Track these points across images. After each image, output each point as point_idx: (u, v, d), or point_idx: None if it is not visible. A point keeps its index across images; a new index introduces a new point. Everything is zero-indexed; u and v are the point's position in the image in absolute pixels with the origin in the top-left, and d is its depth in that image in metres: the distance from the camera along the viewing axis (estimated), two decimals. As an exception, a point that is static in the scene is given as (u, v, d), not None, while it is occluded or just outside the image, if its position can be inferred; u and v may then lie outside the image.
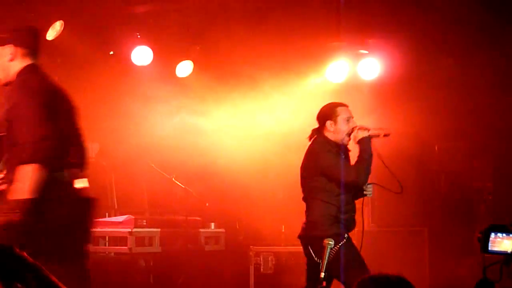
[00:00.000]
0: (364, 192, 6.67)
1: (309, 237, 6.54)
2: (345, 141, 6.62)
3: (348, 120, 6.60)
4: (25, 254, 2.72)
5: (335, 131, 6.58)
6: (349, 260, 6.34)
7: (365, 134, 6.56)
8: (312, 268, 6.57)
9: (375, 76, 10.14)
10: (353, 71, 10.23)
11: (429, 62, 9.68)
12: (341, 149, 6.64)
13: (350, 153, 6.76)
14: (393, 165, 9.48)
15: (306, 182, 6.68)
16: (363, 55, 10.17)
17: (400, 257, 9.19)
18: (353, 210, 6.69)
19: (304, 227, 6.63)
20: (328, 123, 6.59)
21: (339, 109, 6.61)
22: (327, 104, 6.74)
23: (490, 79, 9.52)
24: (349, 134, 6.62)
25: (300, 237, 6.69)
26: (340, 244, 6.35)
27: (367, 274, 6.26)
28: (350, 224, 6.62)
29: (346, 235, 6.44)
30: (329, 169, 6.54)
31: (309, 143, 6.76)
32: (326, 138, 6.61)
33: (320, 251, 6.17)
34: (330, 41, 10.13)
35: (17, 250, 2.72)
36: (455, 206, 9.94)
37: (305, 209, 6.67)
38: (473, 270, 9.17)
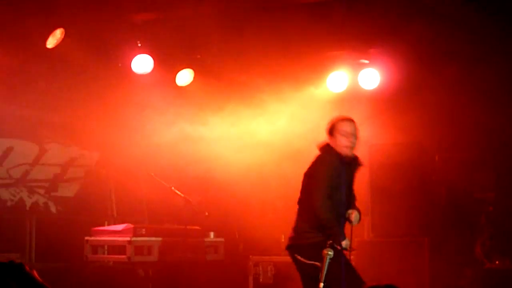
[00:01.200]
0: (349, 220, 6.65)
1: (297, 246, 6.60)
2: (345, 154, 6.64)
3: (346, 135, 6.64)
4: (34, 272, 2.69)
5: (334, 145, 6.68)
6: (336, 267, 6.27)
7: (346, 245, 6.51)
8: (306, 280, 6.61)
9: (376, 85, 10.11)
10: (354, 81, 10.20)
11: (430, 72, 9.65)
12: (346, 160, 6.64)
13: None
14: (393, 174, 9.50)
15: (310, 189, 6.73)
16: (364, 64, 10.15)
17: (400, 267, 9.15)
18: (342, 222, 6.66)
19: (292, 235, 6.70)
20: (329, 137, 6.72)
21: (339, 124, 6.70)
22: (333, 118, 6.82)
23: (492, 89, 9.49)
24: (349, 148, 6.62)
25: (287, 247, 6.75)
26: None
27: (357, 280, 6.29)
28: None
29: (331, 241, 6.35)
30: (312, 179, 6.62)
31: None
32: (332, 149, 6.68)
33: (308, 256, 6.27)
34: (331, 50, 10.11)
35: (27, 268, 2.70)
36: (456, 217, 9.89)
37: (296, 211, 6.70)
38: (473, 281, 9.14)
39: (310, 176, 6.72)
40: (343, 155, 6.64)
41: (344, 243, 6.46)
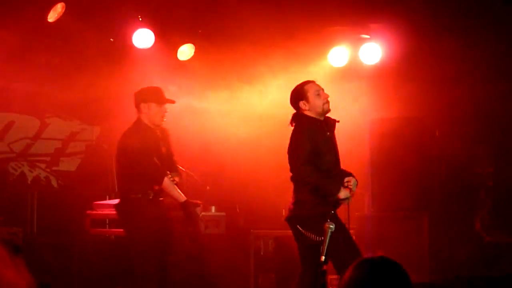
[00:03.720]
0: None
1: (297, 216, 6.64)
2: (325, 109, 6.70)
3: (318, 93, 6.70)
4: None
5: (310, 108, 6.71)
6: (336, 239, 6.29)
7: (346, 196, 6.58)
8: (304, 250, 6.64)
9: (377, 60, 10.12)
10: (355, 56, 10.20)
11: (431, 46, 9.65)
12: (324, 123, 6.69)
13: (338, 124, 6.85)
14: (394, 149, 9.51)
15: (291, 163, 6.75)
16: (364, 39, 10.14)
17: (400, 242, 9.20)
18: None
19: (291, 208, 6.73)
20: (301, 103, 6.72)
21: (306, 86, 6.75)
22: (294, 88, 6.85)
23: (492, 64, 9.50)
24: (328, 103, 6.69)
25: (287, 218, 6.78)
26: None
27: (355, 253, 6.34)
28: (336, 204, 6.64)
29: (332, 212, 6.41)
30: (290, 153, 6.66)
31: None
32: (306, 117, 6.70)
33: (309, 228, 6.31)
34: (331, 25, 10.10)
35: None
36: (455, 192, 9.93)
37: (292, 189, 6.76)
38: (472, 255, 9.20)
39: (290, 151, 6.74)
40: (320, 115, 6.70)
41: (342, 194, 6.51)
